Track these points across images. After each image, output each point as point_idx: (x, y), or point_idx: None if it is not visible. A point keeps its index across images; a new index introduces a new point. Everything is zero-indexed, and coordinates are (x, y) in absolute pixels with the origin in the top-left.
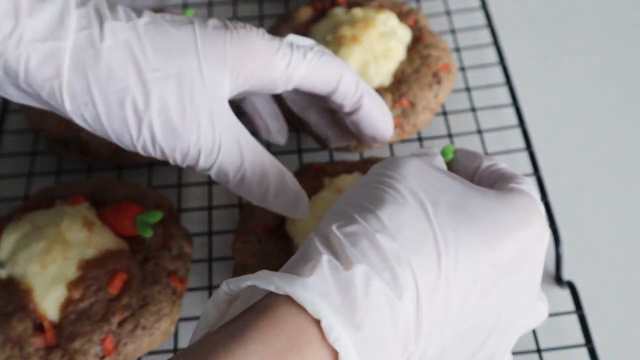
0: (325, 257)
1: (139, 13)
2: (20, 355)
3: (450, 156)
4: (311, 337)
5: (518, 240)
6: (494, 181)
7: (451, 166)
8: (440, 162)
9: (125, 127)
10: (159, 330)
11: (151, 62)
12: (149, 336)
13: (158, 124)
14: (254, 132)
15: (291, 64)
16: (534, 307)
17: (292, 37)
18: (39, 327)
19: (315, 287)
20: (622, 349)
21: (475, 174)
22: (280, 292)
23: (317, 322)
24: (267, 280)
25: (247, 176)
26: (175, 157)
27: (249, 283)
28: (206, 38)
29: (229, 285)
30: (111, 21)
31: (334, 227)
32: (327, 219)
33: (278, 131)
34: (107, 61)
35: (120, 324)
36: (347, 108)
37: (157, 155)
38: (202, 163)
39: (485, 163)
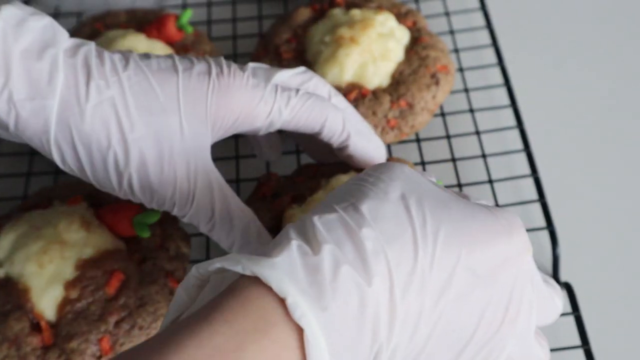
0: (295, 242)
1: (126, 60)
2: (17, 354)
3: None
4: (278, 317)
5: (497, 249)
6: None
7: None
8: (433, 180)
9: (108, 179)
10: (156, 331)
11: (133, 121)
12: (146, 336)
13: (136, 180)
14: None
15: (273, 112)
16: (529, 351)
17: (282, 72)
18: (36, 327)
19: (281, 267)
20: (618, 351)
21: None
22: (247, 272)
23: (284, 302)
24: (234, 262)
25: (216, 227)
26: (153, 206)
27: (218, 265)
28: (189, 94)
29: (199, 270)
30: (97, 79)
31: (311, 216)
32: (309, 212)
33: (270, 151)
34: (91, 120)
35: (118, 323)
36: (335, 145)
37: (137, 202)
38: (176, 213)
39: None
